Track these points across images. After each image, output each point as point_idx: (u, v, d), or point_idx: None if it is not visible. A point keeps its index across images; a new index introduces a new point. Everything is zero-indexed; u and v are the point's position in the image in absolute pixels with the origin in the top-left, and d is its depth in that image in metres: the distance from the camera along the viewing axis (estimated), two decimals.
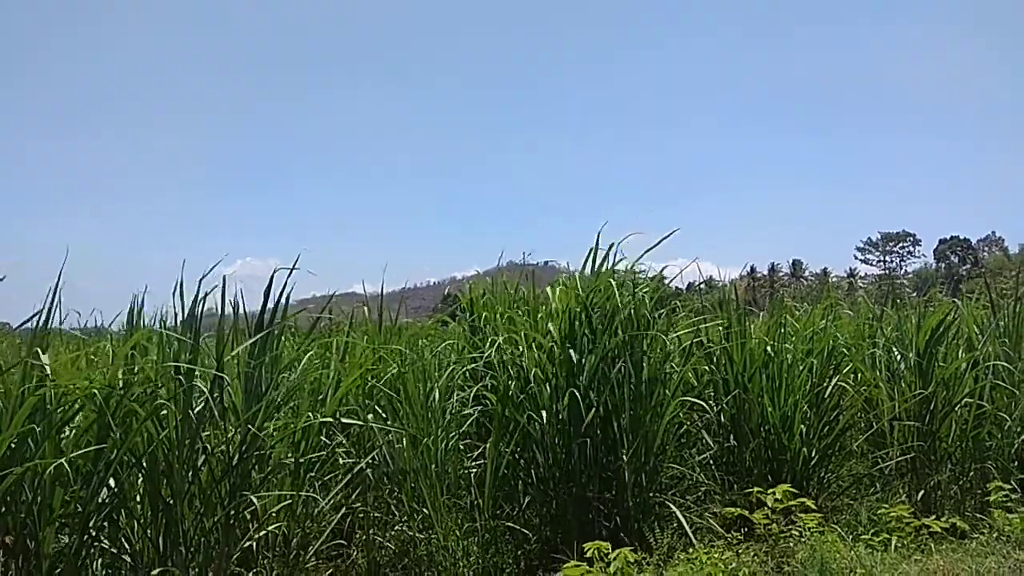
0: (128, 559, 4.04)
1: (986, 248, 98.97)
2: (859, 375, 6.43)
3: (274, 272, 4.66)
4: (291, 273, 4.65)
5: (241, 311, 4.71)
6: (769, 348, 5.98)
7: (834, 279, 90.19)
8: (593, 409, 5.15)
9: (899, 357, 6.44)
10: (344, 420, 4.95)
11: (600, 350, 5.35)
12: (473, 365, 5.82)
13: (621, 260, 5.87)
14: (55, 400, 3.80)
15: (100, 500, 3.94)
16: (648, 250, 5.81)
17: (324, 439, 4.87)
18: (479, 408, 5.63)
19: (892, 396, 6.19)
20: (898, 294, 8.85)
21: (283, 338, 4.90)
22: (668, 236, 5.78)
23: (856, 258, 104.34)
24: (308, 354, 5.25)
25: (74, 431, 3.89)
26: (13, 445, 3.56)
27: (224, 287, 4.58)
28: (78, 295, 4.46)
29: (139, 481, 4.12)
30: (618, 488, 5.29)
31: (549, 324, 5.59)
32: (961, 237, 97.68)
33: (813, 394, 5.89)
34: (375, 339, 6.01)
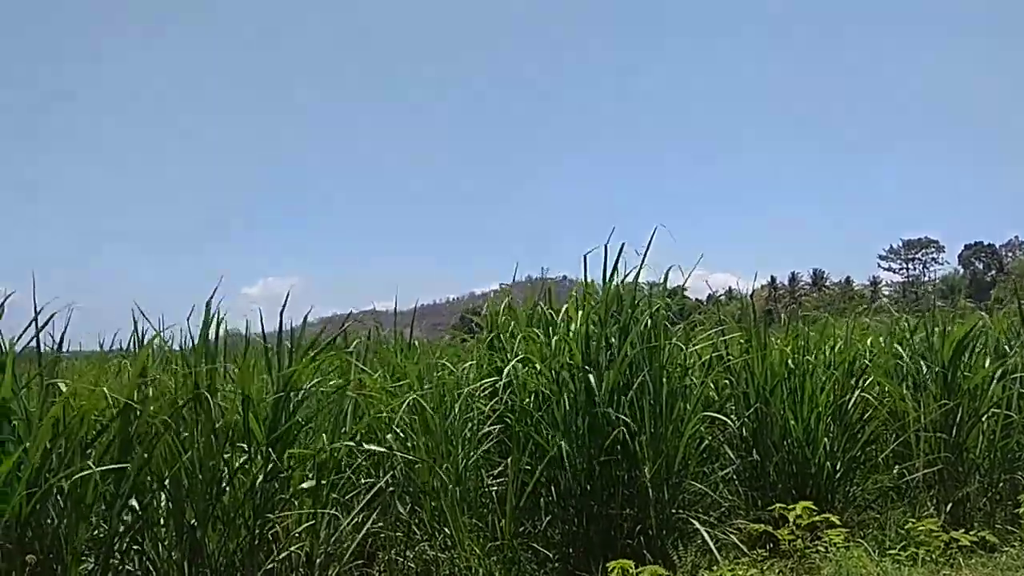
0: None
1: (1010, 252, 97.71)
2: (883, 387, 6.36)
3: (286, 297, 4.70)
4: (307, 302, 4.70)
5: (261, 331, 4.76)
6: (791, 361, 5.94)
7: (857, 288, 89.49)
8: (613, 426, 5.13)
9: (925, 368, 6.36)
10: (366, 446, 4.96)
11: (618, 364, 5.34)
12: (492, 381, 5.80)
13: (639, 273, 5.84)
14: (77, 420, 3.84)
15: (124, 523, 3.97)
16: (669, 269, 5.79)
17: (344, 459, 4.87)
18: (499, 427, 5.62)
19: (917, 407, 6.11)
20: (922, 303, 8.75)
21: (301, 360, 4.92)
22: (646, 246, 5.71)
23: (879, 266, 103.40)
24: (327, 377, 5.28)
25: (93, 451, 3.92)
26: (37, 465, 3.60)
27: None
28: (96, 314, 4.52)
29: (162, 504, 4.15)
30: (640, 505, 5.25)
31: (566, 340, 5.57)
32: (985, 243, 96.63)
33: (836, 407, 5.83)
34: (392, 361, 6.03)
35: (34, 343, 4.17)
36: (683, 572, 4.53)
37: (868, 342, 6.85)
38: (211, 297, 4.45)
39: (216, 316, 4.47)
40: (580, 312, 5.63)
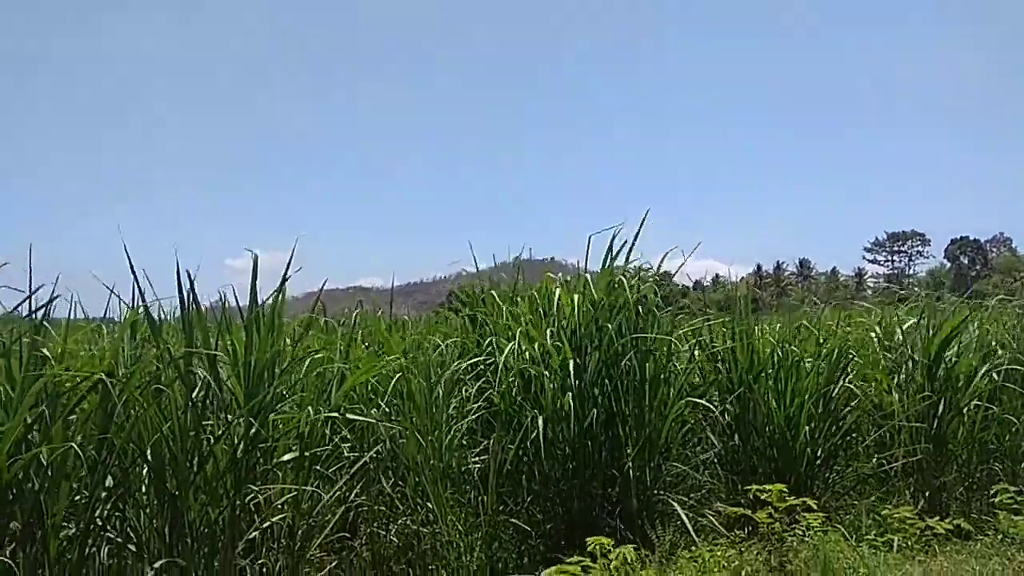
0: (134, 549, 4.06)
1: (994, 248, 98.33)
2: (868, 376, 6.42)
3: (255, 259, 4.64)
4: (288, 267, 4.66)
5: (243, 303, 4.72)
6: (779, 349, 5.97)
7: (842, 279, 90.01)
8: (596, 407, 5.15)
9: (910, 360, 6.40)
10: (349, 416, 4.96)
11: (603, 348, 5.35)
12: (475, 359, 5.80)
13: (625, 257, 5.85)
14: (60, 386, 3.82)
15: (106, 489, 3.96)
16: (665, 256, 5.80)
17: (328, 432, 4.87)
18: (483, 404, 5.63)
19: (901, 398, 6.17)
20: (906, 295, 8.80)
21: (282, 328, 4.88)
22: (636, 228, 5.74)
23: (864, 258, 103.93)
24: (310, 348, 5.26)
25: (76, 419, 3.91)
26: (18, 432, 3.58)
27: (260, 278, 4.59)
28: (82, 285, 4.46)
29: (144, 472, 4.14)
30: (622, 486, 5.30)
31: (552, 322, 5.58)
32: (971, 238, 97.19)
33: (820, 395, 5.87)
34: (379, 335, 6.02)
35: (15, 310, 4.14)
36: (661, 551, 4.57)
37: (854, 332, 6.90)
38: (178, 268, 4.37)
39: (193, 286, 4.42)
40: (574, 296, 5.63)
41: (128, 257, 4.32)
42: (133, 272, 4.35)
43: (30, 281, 4.01)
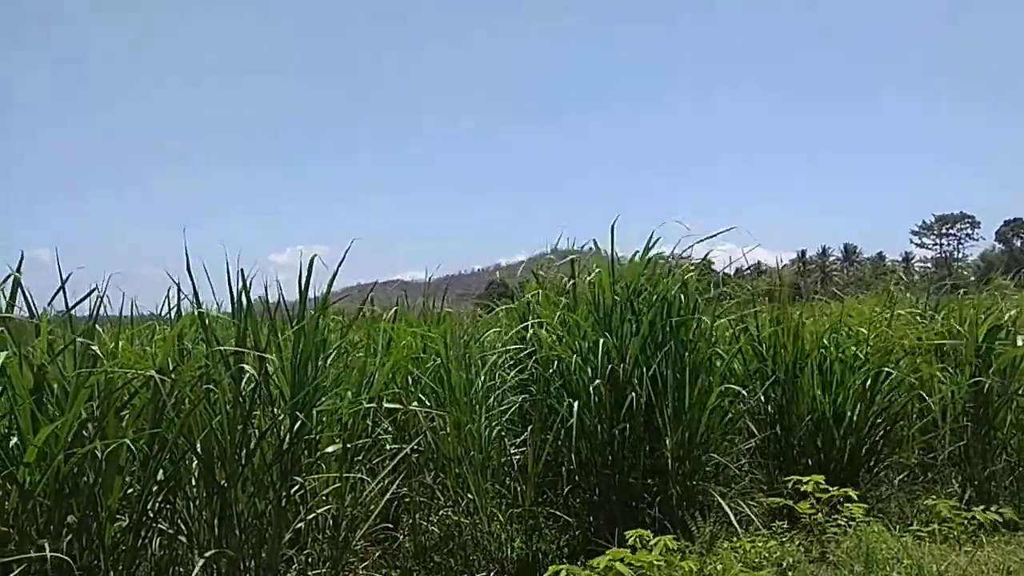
0: (184, 540, 4.19)
1: None
2: (914, 363, 6.30)
3: (311, 259, 4.73)
4: (340, 265, 4.74)
5: (289, 299, 4.82)
6: (825, 338, 5.90)
7: (889, 264, 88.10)
8: (634, 395, 5.15)
9: (960, 346, 6.27)
10: (388, 404, 5.02)
11: (642, 336, 5.34)
12: (517, 349, 5.83)
13: (667, 245, 5.82)
14: (113, 384, 3.93)
15: (157, 483, 4.08)
16: (700, 239, 5.75)
17: (370, 423, 4.95)
18: (523, 396, 5.67)
19: (949, 385, 6.06)
20: (957, 281, 8.62)
21: (327, 324, 4.98)
22: (719, 234, 5.76)
23: (912, 242, 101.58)
24: (352, 339, 5.35)
25: (128, 415, 4.02)
26: (74, 428, 3.70)
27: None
28: (128, 280, 4.57)
29: (194, 465, 4.26)
30: (661, 476, 5.29)
31: (591, 310, 5.58)
32: None
33: (865, 385, 5.78)
34: (419, 327, 6.08)
35: (64, 309, 4.25)
36: (701, 542, 4.56)
37: (901, 320, 6.78)
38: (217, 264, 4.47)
39: (246, 283, 4.51)
40: (608, 281, 5.62)
41: (187, 259, 4.39)
42: (189, 272, 4.44)
43: (63, 279, 4.09)
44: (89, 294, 4.17)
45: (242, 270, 4.50)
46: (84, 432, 3.78)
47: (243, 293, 4.49)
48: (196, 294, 4.50)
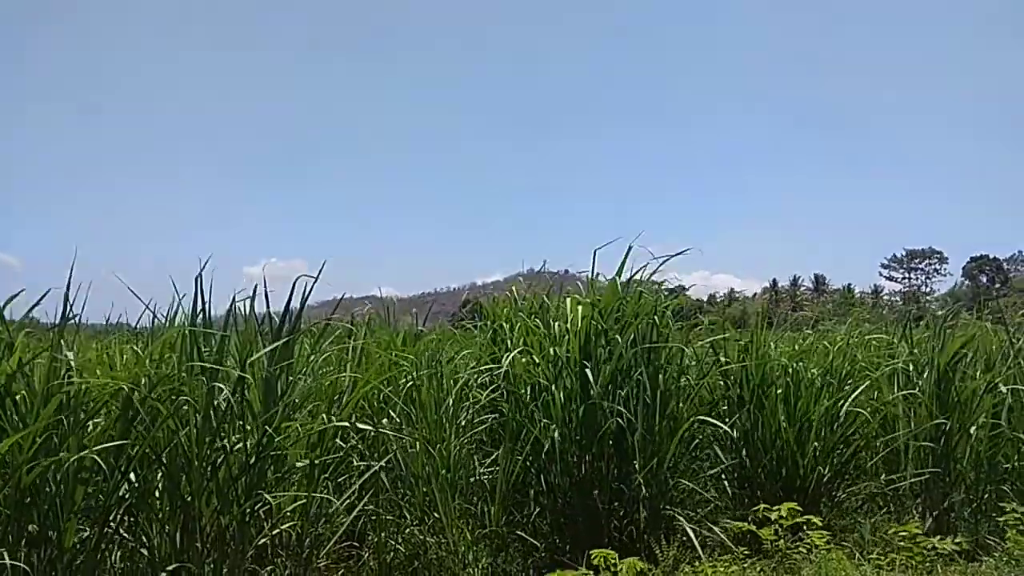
0: (146, 553, 4.14)
1: (1013, 267, 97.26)
2: (877, 394, 6.42)
3: (295, 280, 4.75)
4: (316, 282, 4.75)
5: (264, 312, 4.81)
6: (790, 367, 5.99)
7: (858, 295, 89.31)
8: (606, 421, 5.19)
9: (918, 378, 6.41)
10: (360, 425, 5.03)
11: (615, 361, 5.39)
12: (489, 369, 5.85)
13: (641, 270, 5.88)
14: (80, 396, 3.90)
15: (121, 495, 4.04)
16: (667, 258, 5.81)
17: (339, 442, 4.94)
18: (493, 416, 5.68)
19: (909, 416, 6.17)
20: (921, 313, 8.80)
21: (301, 341, 4.98)
22: (681, 253, 5.81)
23: (881, 275, 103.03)
24: (324, 356, 5.35)
25: (97, 427, 3.99)
26: (39, 439, 3.66)
27: (255, 289, 4.72)
28: (99, 289, 4.54)
29: (159, 477, 4.22)
30: (629, 499, 5.33)
31: (564, 334, 5.62)
32: (991, 256, 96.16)
33: (829, 413, 5.88)
34: (392, 345, 6.08)
35: (37, 316, 4.22)
36: (664, 566, 4.60)
37: (867, 350, 6.90)
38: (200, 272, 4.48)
39: (209, 295, 4.52)
40: (581, 306, 5.67)
41: (174, 281, 4.39)
42: (174, 286, 4.47)
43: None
44: (42, 298, 4.13)
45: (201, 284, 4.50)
46: (50, 441, 3.74)
47: (206, 307, 4.49)
48: (179, 306, 4.51)
